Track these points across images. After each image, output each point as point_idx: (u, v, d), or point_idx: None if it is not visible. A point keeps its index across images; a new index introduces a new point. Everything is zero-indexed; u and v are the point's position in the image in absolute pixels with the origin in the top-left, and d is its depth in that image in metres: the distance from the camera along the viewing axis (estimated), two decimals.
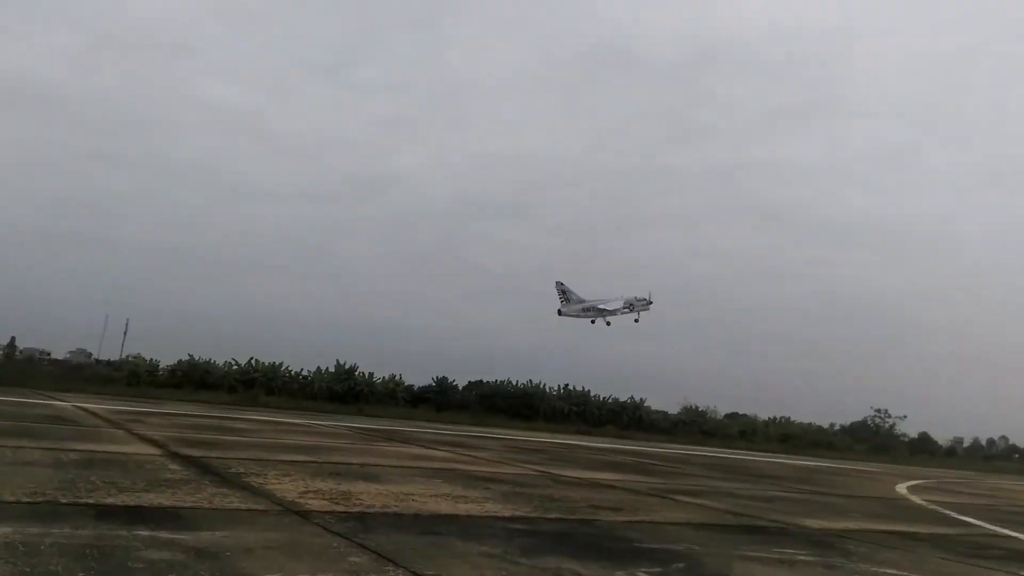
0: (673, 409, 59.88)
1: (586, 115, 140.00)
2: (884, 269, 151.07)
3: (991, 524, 12.20)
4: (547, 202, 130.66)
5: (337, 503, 7.42)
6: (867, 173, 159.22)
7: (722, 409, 64.00)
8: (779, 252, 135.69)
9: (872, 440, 68.31)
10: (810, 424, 65.53)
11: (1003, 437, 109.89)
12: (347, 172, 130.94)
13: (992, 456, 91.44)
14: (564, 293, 55.10)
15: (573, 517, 8.09)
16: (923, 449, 75.18)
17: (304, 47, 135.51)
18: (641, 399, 56.71)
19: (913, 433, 77.37)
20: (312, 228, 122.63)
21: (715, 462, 25.18)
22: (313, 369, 48.24)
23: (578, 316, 55.49)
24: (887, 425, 71.19)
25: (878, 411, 71.33)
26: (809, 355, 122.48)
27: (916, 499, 16.52)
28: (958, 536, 10.18)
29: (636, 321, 56.88)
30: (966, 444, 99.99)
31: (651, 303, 57.10)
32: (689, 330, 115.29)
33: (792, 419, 64.27)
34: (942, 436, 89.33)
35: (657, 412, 58.28)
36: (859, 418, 72.50)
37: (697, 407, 59.77)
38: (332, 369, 48.13)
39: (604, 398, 55.67)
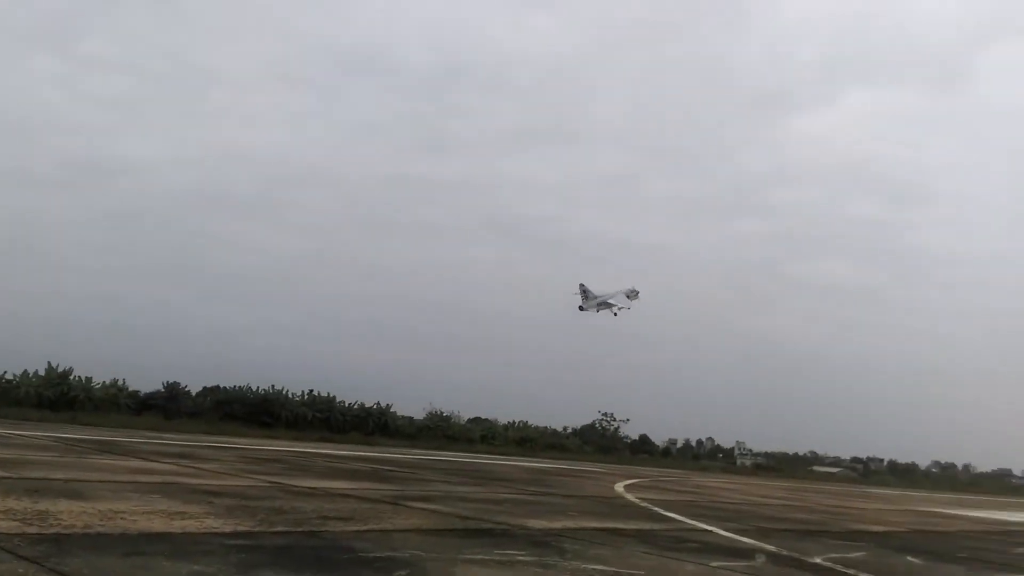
0: (420, 415, 60.43)
1: (338, 117, 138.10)
2: (611, 284, 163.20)
3: (691, 519, 13.51)
4: (293, 203, 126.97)
5: (30, 524, 6.68)
6: (602, 195, 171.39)
7: (466, 414, 65.58)
8: (518, 265, 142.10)
9: (600, 442, 73.26)
10: (546, 427, 68.99)
11: (709, 438, 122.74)
12: (66, 155, 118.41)
13: (700, 456, 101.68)
14: (584, 293, 59.76)
15: (299, 530, 7.89)
16: (643, 449, 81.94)
17: (17, 10, 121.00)
18: (387, 405, 56.66)
19: (635, 435, 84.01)
20: (20, 215, 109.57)
21: (454, 466, 25.74)
22: (19, 372, 43.18)
23: (595, 310, 60.29)
24: (613, 428, 76.78)
25: (605, 415, 76.70)
26: (548, 362, 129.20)
27: (631, 497, 17.93)
28: (661, 531, 11.18)
29: (629, 308, 61.56)
30: (679, 445, 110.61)
31: (638, 293, 62.68)
32: (437, 337, 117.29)
33: (530, 423, 67.31)
34: (659, 437, 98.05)
35: (403, 418, 58.49)
36: (589, 421, 77.45)
37: (442, 412, 60.77)
38: (42, 372, 43.36)
39: (350, 404, 54.94)
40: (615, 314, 61.12)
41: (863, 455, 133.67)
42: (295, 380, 56.57)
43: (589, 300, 60.55)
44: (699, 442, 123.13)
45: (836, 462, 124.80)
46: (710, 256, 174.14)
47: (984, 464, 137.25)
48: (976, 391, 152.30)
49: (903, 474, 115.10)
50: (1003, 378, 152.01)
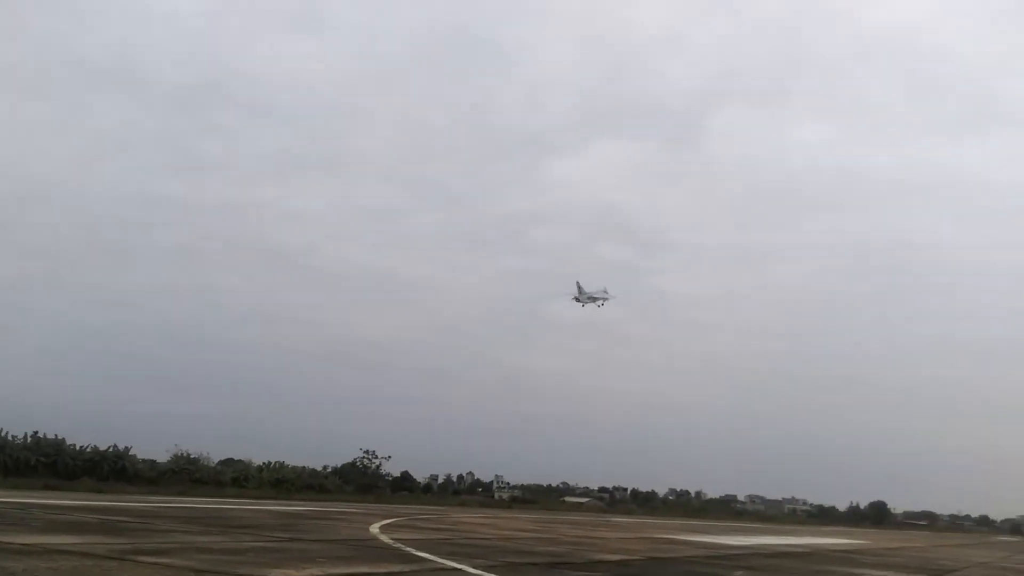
0: (164, 457, 56.23)
1: (77, 129, 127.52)
2: (378, 317, 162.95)
3: (443, 558, 13.64)
4: (17, 222, 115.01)
5: None
6: (366, 227, 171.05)
7: (217, 455, 61.93)
8: (278, 295, 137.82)
9: (361, 481, 72.01)
10: (304, 467, 66.74)
11: (470, 473, 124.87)
12: None
13: (460, 491, 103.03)
14: (579, 287, 76.04)
15: None
16: (404, 487, 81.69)
17: None
18: (126, 447, 52.20)
19: (397, 472, 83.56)
20: None
21: (197, 514, 24.16)
22: None
23: (585, 303, 77.02)
24: (374, 465, 75.83)
25: (366, 452, 75.64)
26: (309, 398, 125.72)
27: (385, 538, 17.78)
28: (411, 572, 11.19)
29: (607, 301, 77.57)
30: (440, 480, 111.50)
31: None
32: (186, 372, 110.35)
33: (287, 463, 64.83)
34: (421, 474, 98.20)
35: (144, 461, 54.12)
36: (350, 459, 75.98)
37: (189, 454, 56.92)
38: None
39: (82, 447, 50.02)
40: (599, 306, 77.89)
41: (610, 484, 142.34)
42: (18, 420, 50.76)
43: (583, 294, 76.35)
44: (460, 477, 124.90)
45: (585, 492, 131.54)
46: (474, 291, 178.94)
47: (713, 491, 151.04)
48: (705, 422, 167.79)
49: (644, 502, 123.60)
50: (726, 410, 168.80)
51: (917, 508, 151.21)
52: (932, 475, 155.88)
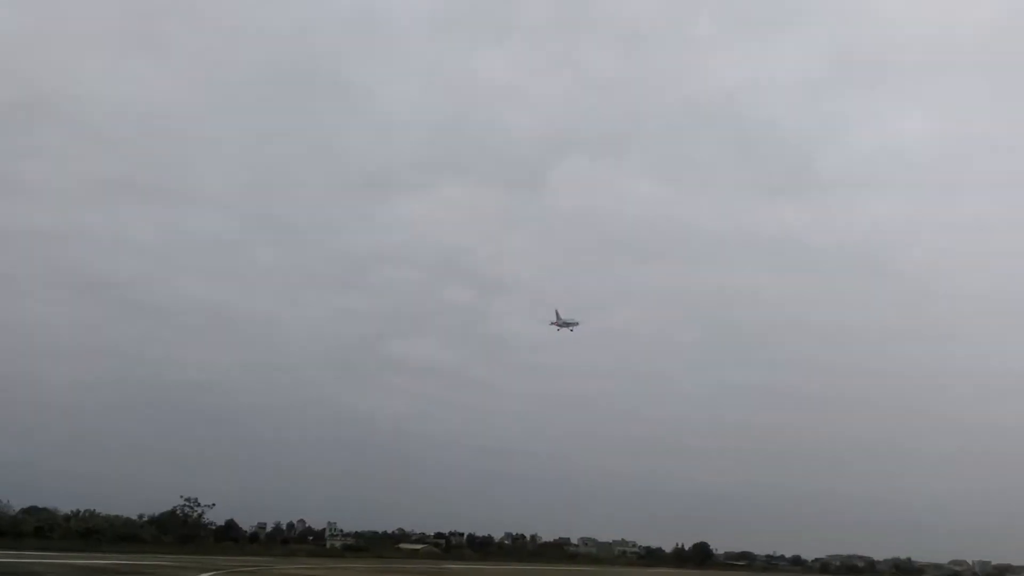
0: None
1: None
2: (209, 353, 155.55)
3: None
4: None
5: None
6: (201, 259, 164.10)
7: (19, 502, 56.62)
8: (99, 328, 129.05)
9: (180, 530, 67.74)
10: (117, 516, 62.11)
11: (301, 520, 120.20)
12: None
13: (290, 539, 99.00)
14: (557, 315, 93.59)
15: None
16: (229, 536, 77.54)
17: None
18: None
19: (221, 520, 79.21)
20: None
21: None
22: None
23: (560, 328, 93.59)
24: (196, 514, 71.49)
25: (187, 500, 71.19)
26: (128, 437, 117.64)
27: None
28: None
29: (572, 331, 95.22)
30: (269, 529, 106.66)
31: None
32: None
33: (98, 511, 60.11)
34: (248, 522, 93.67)
35: None
36: (169, 508, 71.32)
37: None
38: None
39: None
40: (571, 331, 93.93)
41: (446, 530, 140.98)
42: None
43: (559, 320, 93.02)
44: (290, 524, 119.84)
45: (422, 538, 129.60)
46: (312, 330, 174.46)
47: (548, 533, 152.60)
48: (541, 465, 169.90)
49: (480, 547, 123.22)
50: (561, 452, 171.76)
51: (737, 549, 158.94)
52: (750, 517, 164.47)
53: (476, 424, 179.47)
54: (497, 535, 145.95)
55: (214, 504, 72.57)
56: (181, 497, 71.21)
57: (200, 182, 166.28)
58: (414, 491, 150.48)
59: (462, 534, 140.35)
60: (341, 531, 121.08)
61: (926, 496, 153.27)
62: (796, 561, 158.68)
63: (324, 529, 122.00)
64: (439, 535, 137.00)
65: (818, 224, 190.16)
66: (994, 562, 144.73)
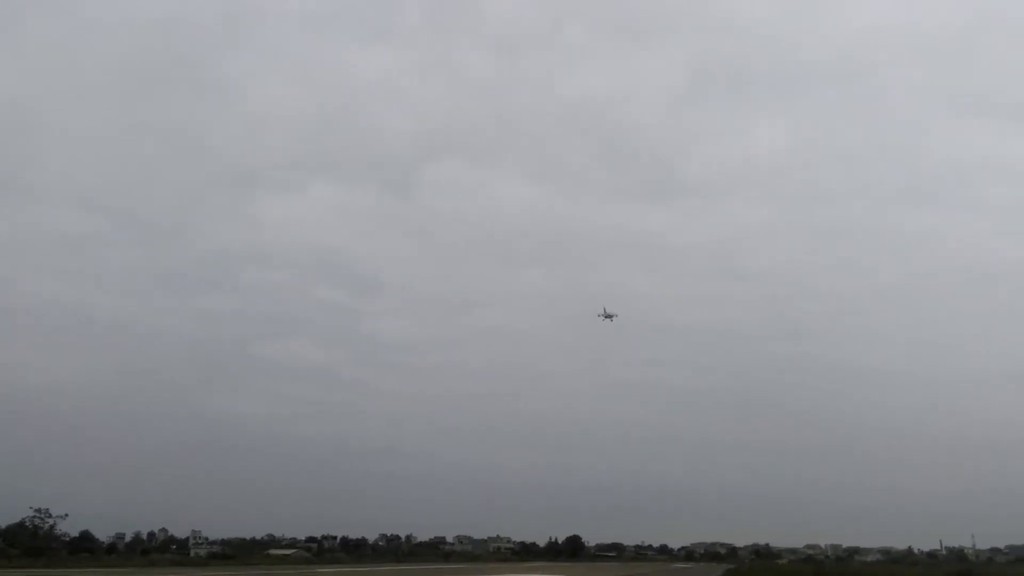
0: None
1: None
2: (61, 356, 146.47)
3: None
4: None
5: None
6: (53, 257, 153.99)
7: None
8: None
9: (29, 543, 63.28)
10: None
11: (163, 529, 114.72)
12: None
13: (150, 549, 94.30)
14: (604, 309, 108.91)
15: None
16: (85, 548, 73.09)
17: None
18: None
19: (75, 531, 74.54)
20: None
21: None
22: None
23: (605, 319, 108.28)
24: (47, 525, 66.90)
25: (37, 511, 66.56)
26: None
27: None
28: None
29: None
30: (128, 539, 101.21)
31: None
32: None
33: None
34: (106, 532, 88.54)
35: None
36: (17, 519, 66.49)
37: None
38: None
39: None
40: (611, 320, 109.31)
41: (318, 533, 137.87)
42: None
43: (605, 313, 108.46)
44: (151, 534, 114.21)
45: (292, 543, 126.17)
46: (176, 332, 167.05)
47: (423, 533, 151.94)
48: (416, 464, 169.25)
49: (354, 549, 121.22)
50: (434, 451, 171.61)
51: (607, 540, 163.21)
52: (620, 509, 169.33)
53: (349, 425, 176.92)
54: (372, 537, 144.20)
55: (67, 514, 68.16)
56: (31, 508, 66.74)
57: (53, 176, 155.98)
58: (285, 495, 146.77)
59: (335, 537, 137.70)
60: (206, 539, 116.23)
61: (782, 485, 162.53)
62: (663, 550, 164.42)
63: (188, 537, 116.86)
64: (311, 539, 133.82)
65: (682, 228, 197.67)
66: (844, 545, 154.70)
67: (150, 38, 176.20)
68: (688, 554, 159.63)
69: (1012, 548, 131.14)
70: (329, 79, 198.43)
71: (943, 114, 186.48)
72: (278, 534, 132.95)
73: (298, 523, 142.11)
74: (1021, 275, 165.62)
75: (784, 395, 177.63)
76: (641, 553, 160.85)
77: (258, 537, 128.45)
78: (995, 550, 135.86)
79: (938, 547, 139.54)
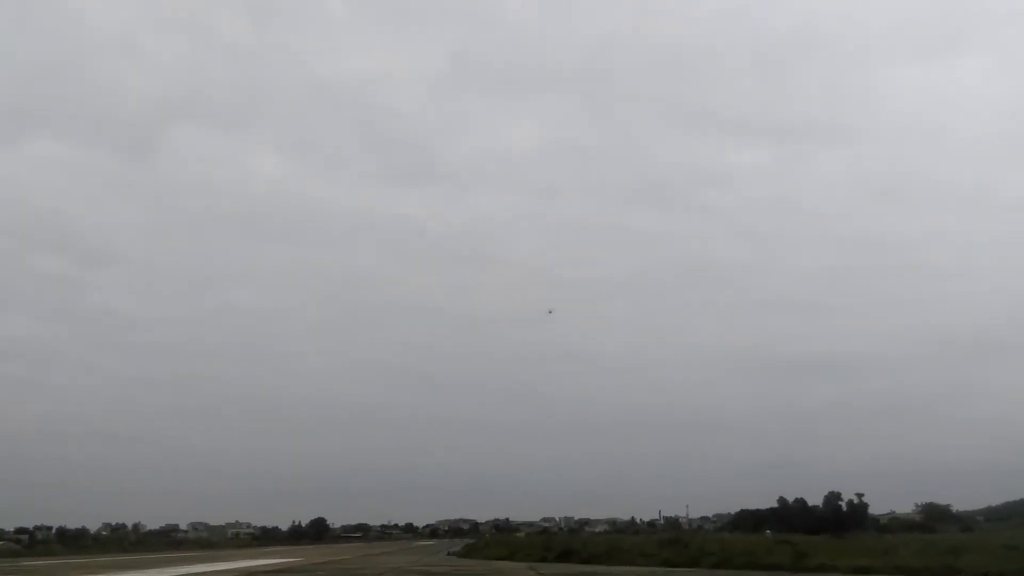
0: None
1: None
2: None
3: None
4: None
5: None
6: None
7: None
8: None
9: None
10: None
11: None
12: None
13: None
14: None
15: None
16: None
17: None
18: None
19: None
20: None
21: None
22: None
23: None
24: None
25: None
26: None
27: None
28: None
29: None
30: None
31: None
32: None
33: None
34: None
35: None
36: None
37: None
38: None
39: None
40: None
41: (31, 524, 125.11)
42: None
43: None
44: None
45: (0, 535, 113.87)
46: None
47: (154, 521, 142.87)
48: (147, 451, 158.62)
49: (72, 540, 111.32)
50: (167, 436, 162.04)
51: (354, 522, 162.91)
52: (364, 490, 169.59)
53: (72, 408, 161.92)
54: (93, 527, 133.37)
55: None
56: None
57: None
58: None
59: (50, 528, 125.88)
60: None
61: (522, 464, 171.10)
62: (408, 528, 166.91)
63: None
64: (21, 530, 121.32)
65: (437, 213, 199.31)
66: (576, 517, 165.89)
67: None
68: (432, 531, 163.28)
69: (719, 516, 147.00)
70: (56, 24, 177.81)
71: (667, 123, 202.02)
72: None
73: (6, 513, 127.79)
74: (729, 271, 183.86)
75: (525, 379, 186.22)
76: (387, 532, 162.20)
77: None
78: (704, 519, 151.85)
79: (657, 517, 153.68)
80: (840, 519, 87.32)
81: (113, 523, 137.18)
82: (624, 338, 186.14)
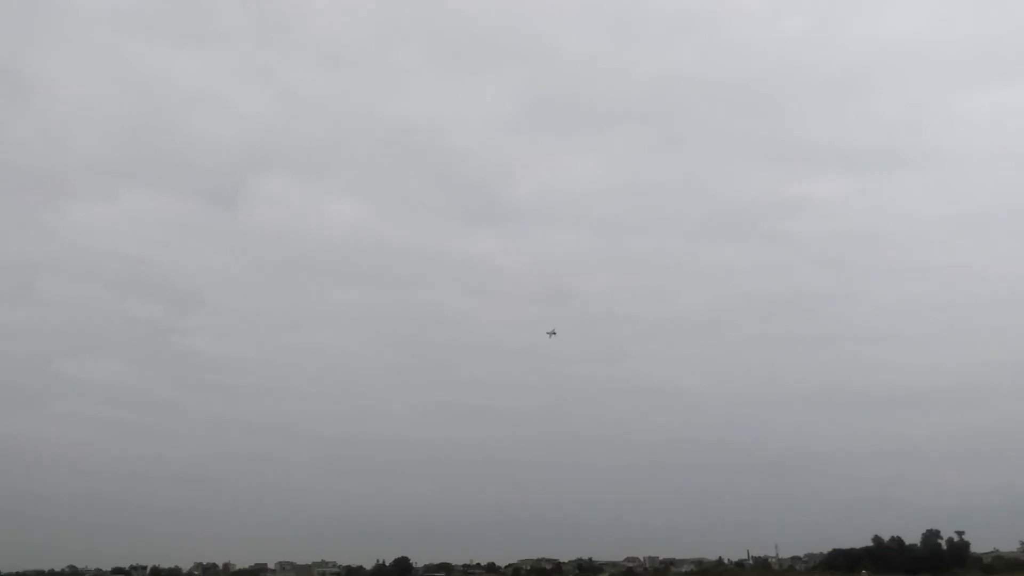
0: None
1: None
2: None
3: None
4: None
5: None
6: None
7: None
8: None
9: None
10: None
11: None
12: None
13: None
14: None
15: None
16: None
17: None
18: None
19: None
20: None
21: None
22: None
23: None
24: None
25: None
26: None
27: None
28: None
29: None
30: None
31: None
32: None
33: None
34: None
35: None
36: None
37: None
38: None
39: None
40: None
41: (126, 563, 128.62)
42: None
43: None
44: None
45: (97, 574, 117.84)
46: None
47: (242, 560, 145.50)
48: (231, 489, 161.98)
49: None
50: (252, 476, 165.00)
51: (436, 560, 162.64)
52: (448, 529, 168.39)
53: (163, 449, 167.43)
54: (186, 566, 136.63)
55: None
56: None
57: None
58: (90, 523, 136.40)
59: (144, 567, 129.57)
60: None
61: (602, 501, 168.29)
62: (491, 568, 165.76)
63: None
64: (117, 569, 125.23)
65: (508, 251, 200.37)
66: (661, 557, 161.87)
67: None
68: (515, 571, 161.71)
69: (811, 556, 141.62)
70: (146, 83, 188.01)
71: (739, 155, 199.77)
72: (80, 565, 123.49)
73: (106, 552, 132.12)
74: (814, 302, 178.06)
75: (601, 415, 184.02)
76: (469, 572, 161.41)
77: (58, 569, 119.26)
78: (796, 559, 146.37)
79: (745, 557, 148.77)
80: (940, 558, 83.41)
81: (204, 562, 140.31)
82: (703, 373, 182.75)
